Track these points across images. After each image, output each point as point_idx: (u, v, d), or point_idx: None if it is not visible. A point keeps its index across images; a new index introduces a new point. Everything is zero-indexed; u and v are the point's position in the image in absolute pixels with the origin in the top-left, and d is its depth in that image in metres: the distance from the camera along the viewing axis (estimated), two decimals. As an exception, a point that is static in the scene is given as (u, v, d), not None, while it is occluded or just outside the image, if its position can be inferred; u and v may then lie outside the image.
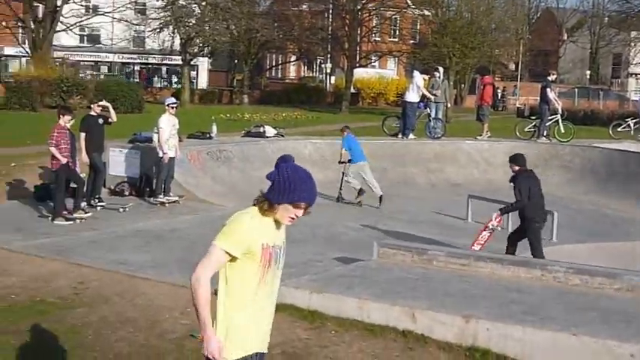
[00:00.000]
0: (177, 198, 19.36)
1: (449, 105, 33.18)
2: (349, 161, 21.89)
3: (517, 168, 14.78)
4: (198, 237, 15.70)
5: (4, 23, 64.05)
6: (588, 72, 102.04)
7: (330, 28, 72.00)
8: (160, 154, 19.19)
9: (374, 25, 69.86)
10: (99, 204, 18.33)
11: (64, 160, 16.47)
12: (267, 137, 25.45)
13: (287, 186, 5.55)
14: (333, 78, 79.60)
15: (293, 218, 5.75)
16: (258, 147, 24.35)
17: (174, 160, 19.51)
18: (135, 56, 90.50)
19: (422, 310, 9.89)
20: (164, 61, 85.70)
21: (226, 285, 5.74)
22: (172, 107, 19.69)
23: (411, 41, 77.92)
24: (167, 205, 19.03)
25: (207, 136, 23.81)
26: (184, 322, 10.27)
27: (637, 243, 18.49)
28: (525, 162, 15.00)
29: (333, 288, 10.84)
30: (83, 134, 18.09)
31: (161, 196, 19.27)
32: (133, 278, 12.12)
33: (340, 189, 21.89)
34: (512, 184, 14.69)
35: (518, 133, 29.53)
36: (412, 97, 27.80)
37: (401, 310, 9.97)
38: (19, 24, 63.36)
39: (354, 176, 21.79)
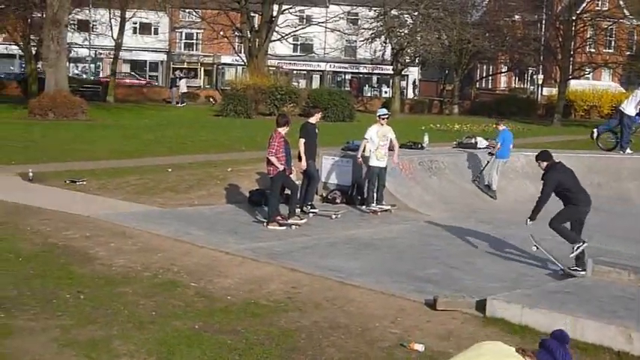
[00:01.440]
0: (389, 207, 19.48)
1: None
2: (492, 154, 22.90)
3: (545, 164, 14.39)
4: (407, 247, 15.80)
5: (222, 33, 66.31)
6: None
7: (543, 39, 70.69)
8: (371, 163, 19.39)
9: (589, 35, 68.12)
10: (311, 210, 18.65)
11: (281, 168, 16.84)
12: (479, 148, 25.19)
13: None
14: (544, 89, 78.13)
15: None
16: (470, 158, 24.15)
17: (385, 170, 19.64)
18: (346, 65, 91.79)
19: (639, 331, 9.57)
20: (375, 71, 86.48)
21: None
22: (383, 118, 19.86)
23: (628, 52, 75.59)
24: (379, 213, 19.17)
25: (419, 146, 23.81)
26: (394, 331, 10.32)
27: None
28: (551, 156, 14.60)
29: (546, 304, 10.64)
30: (302, 140, 18.44)
31: (373, 204, 19.43)
32: (343, 285, 12.27)
33: (480, 172, 23.32)
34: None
35: None
36: (631, 110, 26.91)
37: (617, 330, 9.69)
38: (237, 34, 65.48)
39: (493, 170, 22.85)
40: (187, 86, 70.65)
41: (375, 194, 19.50)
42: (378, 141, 19.44)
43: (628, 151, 26.90)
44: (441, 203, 21.01)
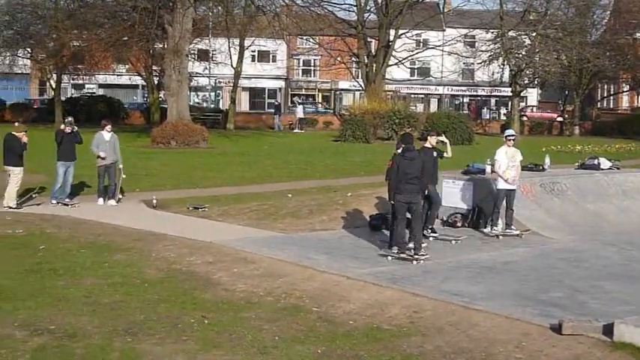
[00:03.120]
0: (518, 232, 19.24)
1: None
2: None
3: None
4: (530, 270, 15.57)
5: (339, 58, 66.75)
6: None
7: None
8: (499, 186, 19.24)
9: None
10: (432, 234, 18.56)
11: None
12: (602, 169, 24.71)
13: None
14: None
15: None
16: (593, 180, 23.71)
17: (514, 193, 19.46)
18: (464, 88, 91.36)
19: None
20: (493, 93, 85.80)
21: None
22: (510, 139, 19.70)
23: None
24: (500, 237, 18.96)
25: (540, 168, 23.49)
26: (519, 355, 10.19)
27: None
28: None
29: (679, 328, 10.34)
30: (419, 166, 18.39)
31: (496, 228, 19.24)
32: (466, 309, 12.15)
33: None
34: None
35: None
36: None
37: None
38: (354, 59, 65.84)
39: None
40: (310, 112, 71.39)
41: (499, 217, 19.32)
42: (506, 162, 19.29)
43: None
44: (564, 225, 20.66)
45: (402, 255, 16.20)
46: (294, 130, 63.69)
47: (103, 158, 22.40)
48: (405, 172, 16.18)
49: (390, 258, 16.30)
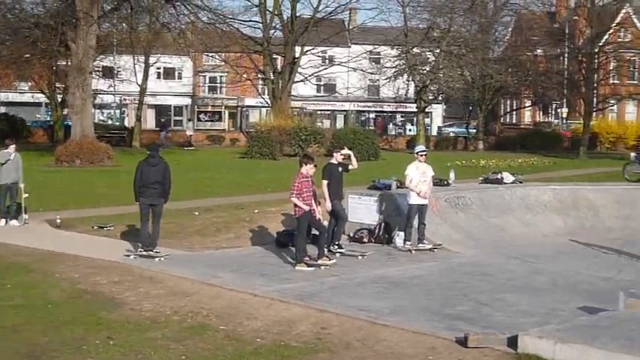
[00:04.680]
0: (431, 246, 19.38)
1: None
2: None
3: None
4: (436, 285, 15.71)
5: (245, 75, 66.71)
6: None
7: (566, 72, 70.64)
8: (411, 201, 19.38)
9: (612, 67, 67.98)
10: (338, 250, 18.60)
11: (306, 208, 16.81)
12: (505, 184, 25.13)
13: None
14: (569, 123, 77.98)
15: None
16: (496, 194, 24.09)
17: (426, 208, 19.63)
18: (370, 104, 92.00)
19: (677, 366, 9.44)
20: (398, 109, 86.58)
21: None
22: (421, 155, 19.87)
23: (653, 84, 75.45)
24: (413, 252, 19.10)
25: (445, 182, 23.77)
26: (426, 369, 10.24)
27: None
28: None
29: (579, 338, 10.50)
30: (325, 182, 18.47)
31: (409, 242, 19.38)
32: (373, 325, 12.17)
33: None
34: None
35: None
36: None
37: (652, 363, 9.56)
38: (260, 76, 65.82)
39: None
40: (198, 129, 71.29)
41: (411, 233, 19.47)
42: (418, 177, 19.45)
43: (657, 182, 26.79)
44: (469, 240, 20.94)
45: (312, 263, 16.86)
46: (186, 148, 63.30)
47: None
48: (147, 177, 17.91)
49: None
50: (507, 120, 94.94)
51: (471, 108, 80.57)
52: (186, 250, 19.22)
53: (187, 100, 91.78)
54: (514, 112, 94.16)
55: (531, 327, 11.44)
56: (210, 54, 73.79)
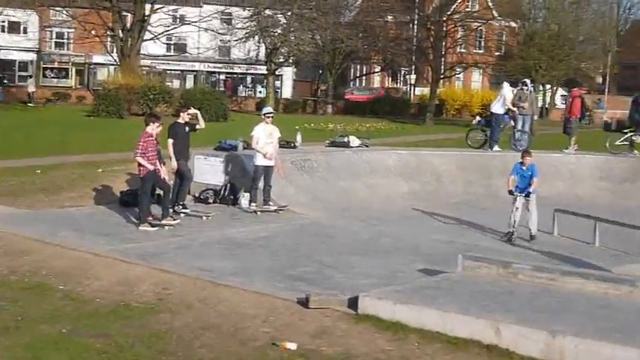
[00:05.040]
0: (276, 207, 19.40)
1: (535, 117, 32.67)
2: (528, 194, 18.68)
3: None
4: (280, 246, 15.76)
5: (93, 32, 65.26)
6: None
7: (415, 39, 71.72)
8: (257, 162, 19.35)
9: (459, 36, 69.37)
10: (183, 210, 18.43)
11: (151, 167, 16.59)
12: (352, 147, 25.37)
13: None
14: (417, 89, 79.37)
15: None
16: (342, 157, 24.29)
17: (272, 170, 19.59)
18: (220, 65, 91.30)
19: (507, 324, 9.70)
20: (249, 71, 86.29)
21: None
22: (268, 117, 19.82)
23: (497, 53, 77.29)
24: (259, 213, 19.09)
25: (292, 145, 23.82)
26: (266, 330, 10.25)
27: None
28: None
29: (417, 299, 10.71)
30: (171, 141, 18.26)
31: (254, 204, 19.35)
32: (216, 285, 12.12)
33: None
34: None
35: (608, 147, 28.91)
36: (498, 108, 27.50)
37: (485, 323, 9.80)
38: (108, 33, 64.44)
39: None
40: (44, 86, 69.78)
41: (256, 194, 19.43)
42: (264, 139, 19.39)
43: (496, 148, 27.46)
44: (315, 202, 21.06)
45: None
46: (29, 104, 61.79)
47: None
48: None
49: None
50: (357, 85, 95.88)
51: (321, 72, 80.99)
52: (26, 209, 18.70)
53: (33, 56, 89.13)
54: (364, 77, 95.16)
55: (373, 288, 11.60)
56: (57, 9, 71.84)
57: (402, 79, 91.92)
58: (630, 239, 17.49)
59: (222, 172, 21.07)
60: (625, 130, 30.28)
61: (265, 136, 19.44)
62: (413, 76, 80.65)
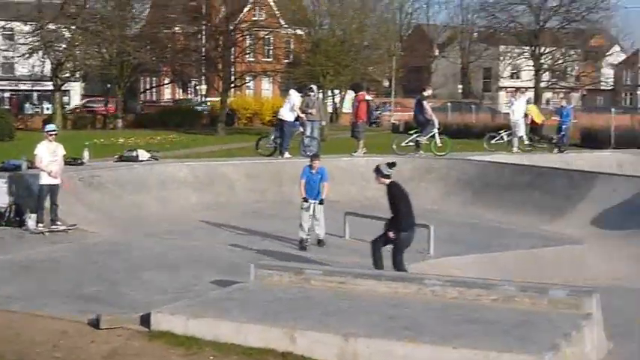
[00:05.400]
0: (64, 227, 18.78)
1: (324, 123, 33.15)
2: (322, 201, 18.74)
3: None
4: (69, 266, 15.34)
5: None
6: (460, 86, 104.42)
7: (203, 50, 71.58)
8: (42, 181, 18.75)
9: (247, 45, 69.67)
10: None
11: None
12: (141, 161, 25.05)
13: None
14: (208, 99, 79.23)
15: None
16: (132, 172, 23.95)
17: (57, 188, 19.00)
18: (4, 83, 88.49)
19: (301, 330, 9.73)
20: (35, 87, 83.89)
21: None
22: (51, 134, 19.27)
23: (285, 60, 78.05)
24: (47, 234, 18.47)
25: (79, 162, 23.30)
26: (57, 355, 9.92)
27: (515, 253, 18.70)
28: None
29: (211, 312, 10.62)
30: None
31: (41, 225, 18.71)
32: (0, 312, 11.62)
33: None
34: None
35: (395, 148, 29.63)
36: (287, 115, 27.73)
37: (280, 331, 9.80)
38: None
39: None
40: None
41: (43, 214, 18.82)
42: (48, 157, 18.81)
43: (287, 155, 27.69)
44: (105, 219, 20.65)
45: None
46: None
47: None
48: None
49: None
50: (148, 97, 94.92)
51: (109, 86, 79.65)
52: None
53: None
54: (154, 90, 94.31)
55: (167, 303, 11.42)
56: None
57: (193, 90, 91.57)
58: (418, 237, 17.93)
59: (6, 194, 20.30)
60: (410, 132, 31.22)
61: (49, 154, 18.89)
62: (203, 87, 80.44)
